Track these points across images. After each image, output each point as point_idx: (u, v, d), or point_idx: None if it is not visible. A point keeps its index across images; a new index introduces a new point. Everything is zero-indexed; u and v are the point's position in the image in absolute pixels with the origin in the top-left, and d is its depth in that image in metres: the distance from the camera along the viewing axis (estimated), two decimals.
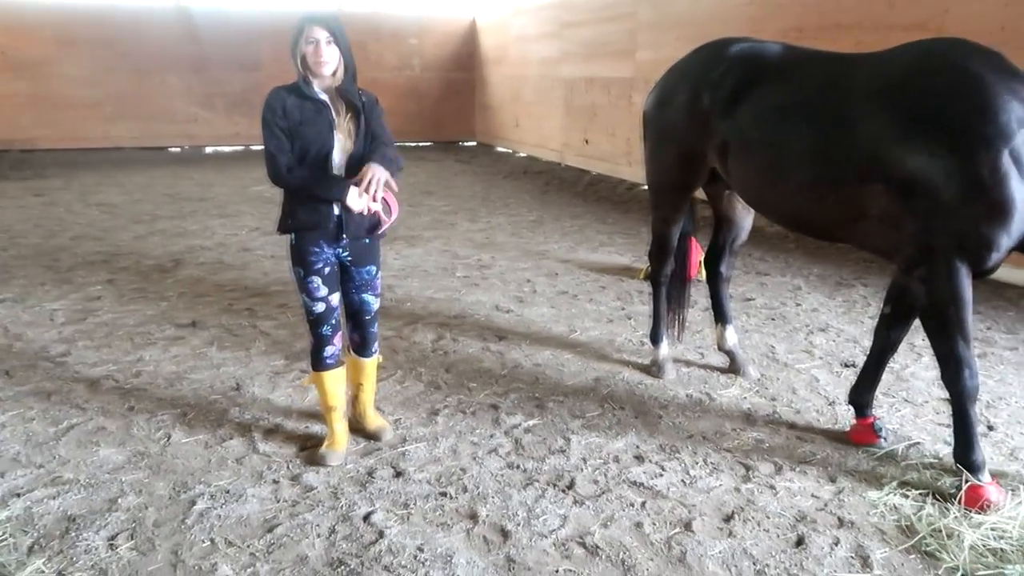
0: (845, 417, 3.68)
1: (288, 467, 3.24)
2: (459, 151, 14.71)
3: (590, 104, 11.71)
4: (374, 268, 3.36)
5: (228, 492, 3.03)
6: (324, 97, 3.09)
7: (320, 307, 3.24)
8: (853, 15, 7.06)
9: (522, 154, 14.16)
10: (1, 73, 13.04)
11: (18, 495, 2.98)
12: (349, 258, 3.26)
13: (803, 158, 3.23)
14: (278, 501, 2.99)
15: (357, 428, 3.53)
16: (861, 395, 3.52)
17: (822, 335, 4.87)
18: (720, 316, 4.30)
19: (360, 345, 3.48)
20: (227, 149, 14.59)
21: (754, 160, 3.44)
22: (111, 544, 2.70)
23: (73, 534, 2.74)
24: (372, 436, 3.50)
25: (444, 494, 3.05)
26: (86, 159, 12.75)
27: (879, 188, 3.00)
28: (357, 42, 13.08)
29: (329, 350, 3.31)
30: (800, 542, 2.78)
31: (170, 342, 4.65)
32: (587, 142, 11.82)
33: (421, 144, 15.56)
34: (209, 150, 14.54)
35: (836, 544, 2.76)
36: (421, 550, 2.70)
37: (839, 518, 2.92)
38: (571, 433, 3.56)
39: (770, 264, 6.59)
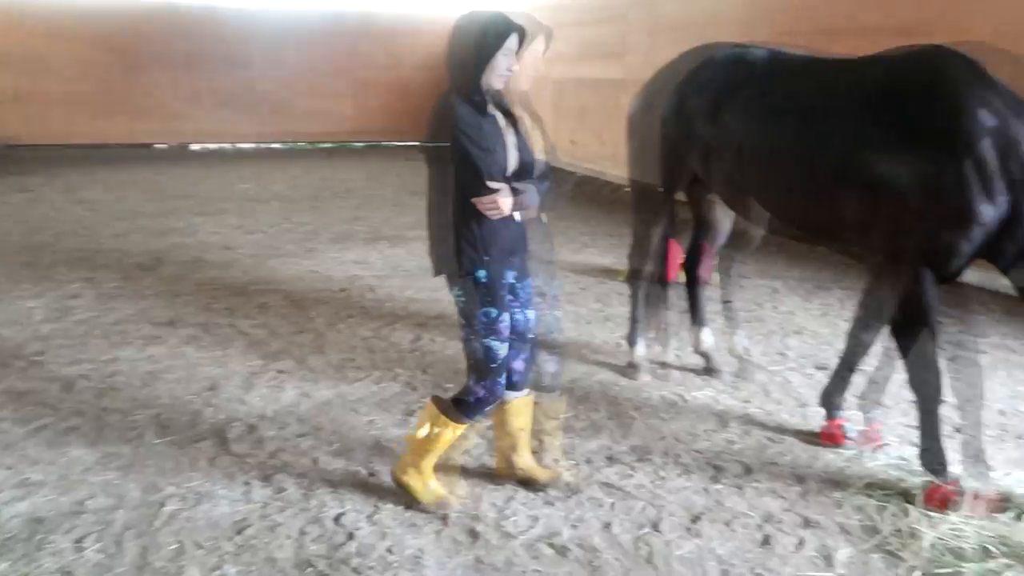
0: (816, 419, 3.71)
1: (260, 468, 3.24)
2: (446, 151, 14.69)
3: (578, 105, 11.73)
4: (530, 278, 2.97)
5: (199, 494, 3.04)
6: (495, 111, 2.77)
7: (505, 349, 2.85)
8: (845, 19, 7.09)
9: None
10: None
11: None
12: (516, 275, 2.88)
13: (783, 162, 3.26)
14: (249, 503, 2.99)
15: (520, 481, 3.13)
16: (831, 397, 3.56)
17: (797, 338, 4.91)
18: (697, 318, 4.33)
19: (523, 373, 3.03)
20: (213, 146, 14.54)
21: (735, 164, 3.48)
22: (78, 546, 2.70)
23: (40, 536, 2.74)
24: (541, 487, 3.08)
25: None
26: (71, 155, 12.68)
27: (854, 193, 3.04)
28: (348, 41, 12.97)
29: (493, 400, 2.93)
30: (766, 542, 2.81)
31: (147, 341, 4.64)
32: (573, 143, 11.84)
33: (409, 144, 15.53)
34: (195, 147, 14.48)
35: (801, 544, 2.80)
36: (390, 551, 2.72)
37: (805, 518, 2.95)
38: (545, 434, 3.57)
39: (749, 266, 6.61)
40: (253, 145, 14.72)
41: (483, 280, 2.74)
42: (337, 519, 2.90)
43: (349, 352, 4.54)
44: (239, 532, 2.81)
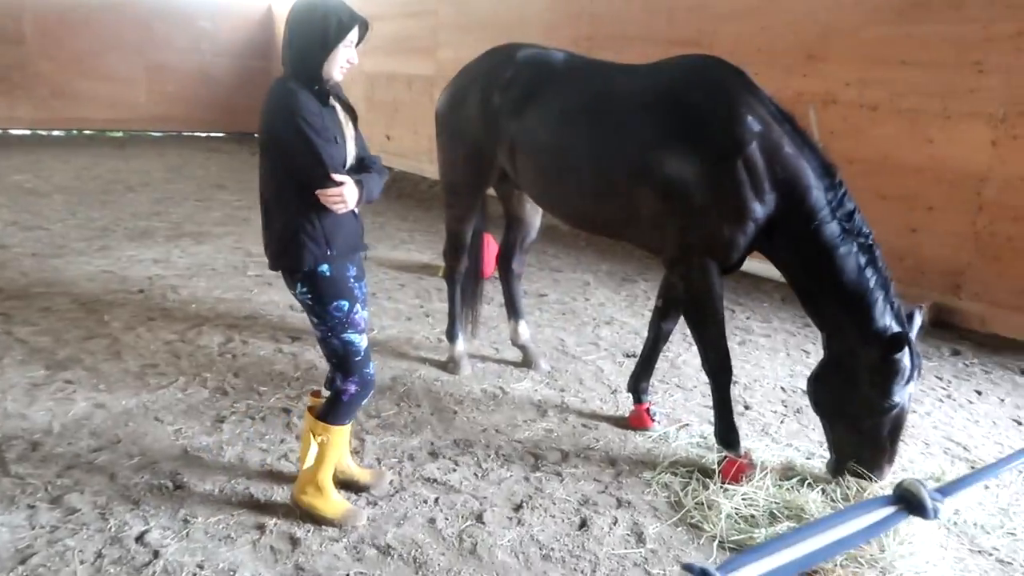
0: (626, 404, 3.94)
1: (47, 489, 2.92)
2: (253, 143, 14.03)
3: (392, 100, 11.62)
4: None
5: None
6: (334, 102, 2.65)
7: (366, 340, 2.77)
8: (638, 28, 7.57)
9: None
10: None
11: None
12: (354, 273, 2.76)
13: (582, 161, 3.42)
14: (34, 528, 2.69)
15: (344, 483, 3.05)
16: (638, 383, 3.79)
17: (608, 328, 5.18)
18: (513, 311, 4.45)
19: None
20: None
21: (539, 161, 3.60)
22: None
23: None
24: (363, 488, 3.05)
25: (228, 505, 2.90)
26: None
27: (646, 191, 3.25)
28: (141, 22, 11.99)
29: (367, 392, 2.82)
30: (583, 524, 2.95)
31: None
32: (389, 138, 11.73)
33: (213, 135, 14.65)
34: None
35: (615, 523, 2.96)
36: (201, 567, 2.56)
37: (618, 499, 3.13)
38: (365, 433, 3.52)
39: (563, 261, 6.91)
40: (28, 131, 13.20)
41: (327, 275, 2.65)
42: (140, 538, 2.68)
43: (150, 358, 4.20)
44: (22, 562, 2.51)
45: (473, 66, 4.07)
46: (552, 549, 2.78)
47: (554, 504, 3.07)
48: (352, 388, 2.77)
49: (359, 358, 2.76)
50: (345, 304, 2.69)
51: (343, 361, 2.75)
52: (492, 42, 4.32)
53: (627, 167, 3.29)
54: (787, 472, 3.28)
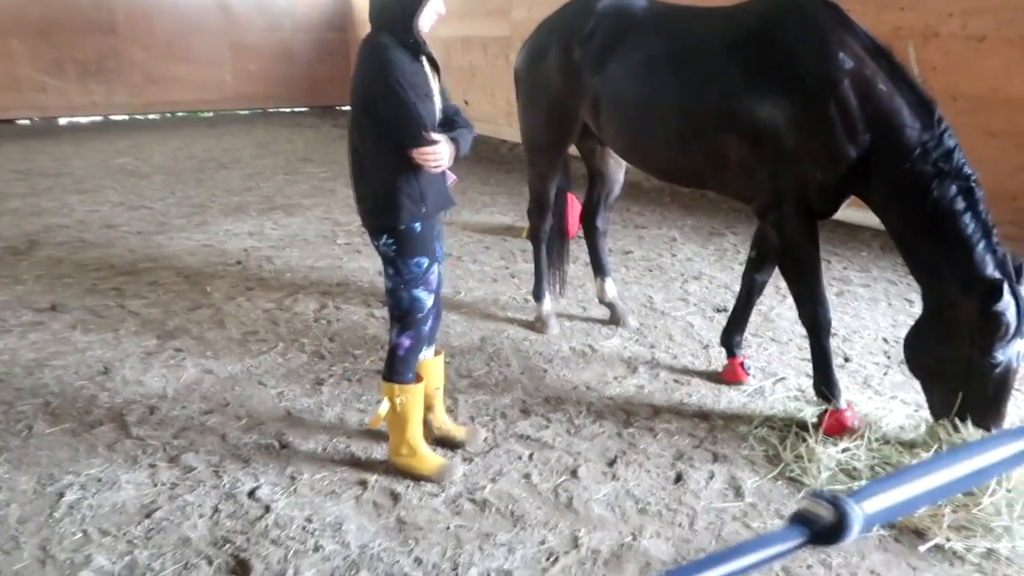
0: (718, 359, 3.87)
1: (165, 449, 3.11)
2: (336, 116, 14.29)
3: (468, 65, 11.59)
4: None
5: (100, 480, 2.89)
6: (422, 57, 2.68)
7: (432, 300, 2.85)
8: None
9: None
10: None
11: None
12: (437, 232, 2.84)
13: (667, 110, 3.33)
14: (156, 485, 2.87)
15: (440, 440, 3.12)
16: (731, 336, 3.71)
17: (696, 283, 5.08)
18: (599, 269, 4.41)
19: (434, 330, 3.04)
20: (84, 120, 13.57)
21: (623, 114, 3.53)
22: None
23: None
24: (459, 445, 3.10)
25: (331, 462, 3.02)
26: None
27: (734, 137, 3.14)
28: (222, 4, 12.29)
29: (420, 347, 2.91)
30: (679, 478, 2.93)
31: (28, 328, 4.34)
32: (467, 103, 11.73)
33: (296, 110, 15.00)
34: (63, 121, 13.48)
35: (711, 478, 2.93)
36: (310, 520, 2.67)
37: (714, 453, 3.09)
38: (458, 392, 3.59)
39: (647, 217, 6.80)
40: (126, 116, 13.84)
41: (417, 231, 2.71)
42: (251, 493, 2.82)
43: (251, 325, 4.39)
44: (147, 516, 2.69)
45: (551, 21, 4.00)
46: (648, 503, 2.78)
47: (648, 459, 3.06)
48: (407, 342, 2.84)
49: (421, 315, 2.83)
50: (425, 261, 2.77)
51: (405, 315, 2.82)
52: None
53: (713, 113, 3.19)
54: (890, 425, 3.17)
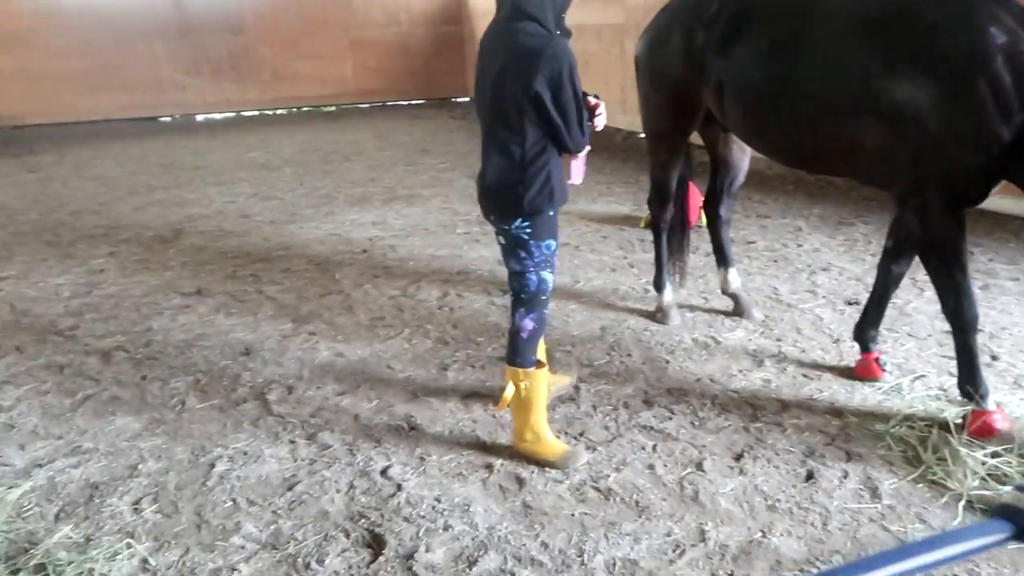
0: (850, 354, 3.71)
1: (303, 427, 3.29)
2: (453, 107, 14.56)
3: (581, 52, 11.50)
4: None
5: (246, 453, 3.09)
6: None
7: (553, 281, 2.95)
8: None
9: None
10: None
11: (40, 466, 3.04)
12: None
13: (797, 94, 3.21)
14: (296, 460, 3.04)
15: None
16: (865, 331, 3.55)
17: (824, 274, 4.89)
18: (722, 260, 4.31)
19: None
20: (218, 116, 14.43)
21: (749, 99, 3.42)
22: (136, 508, 2.76)
23: (97, 500, 2.80)
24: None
25: (458, 445, 3.11)
26: (76, 132, 12.62)
27: (871, 121, 2.99)
28: (343, 1, 12.72)
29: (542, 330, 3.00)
30: (810, 476, 2.84)
31: (177, 311, 4.68)
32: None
33: (414, 102, 15.39)
34: (200, 118, 14.38)
35: (845, 477, 2.82)
36: (439, 500, 2.76)
37: (847, 452, 2.97)
38: (580, 382, 3.60)
39: (770, 206, 6.58)
40: (257, 112, 14.61)
41: (551, 215, 2.83)
42: (384, 472, 2.95)
43: (378, 311, 4.56)
44: (290, 488, 2.86)
45: (674, 5, 3.93)
46: (778, 500, 2.71)
47: (777, 455, 2.98)
48: (530, 325, 2.92)
49: (545, 296, 2.93)
50: (553, 244, 2.88)
51: (532, 297, 2.91)
52: None
53: (849, 96, 3.05)
54: None
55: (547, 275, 2.90)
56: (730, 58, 3.48)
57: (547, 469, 2.92)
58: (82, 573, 2.38)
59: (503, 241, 2.93)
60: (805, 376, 3.58)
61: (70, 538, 2.59)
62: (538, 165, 2.74)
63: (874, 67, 2.95)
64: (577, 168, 2.95)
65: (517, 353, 2.95)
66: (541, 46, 2.62)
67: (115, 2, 13.48)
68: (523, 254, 2.85)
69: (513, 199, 2.78)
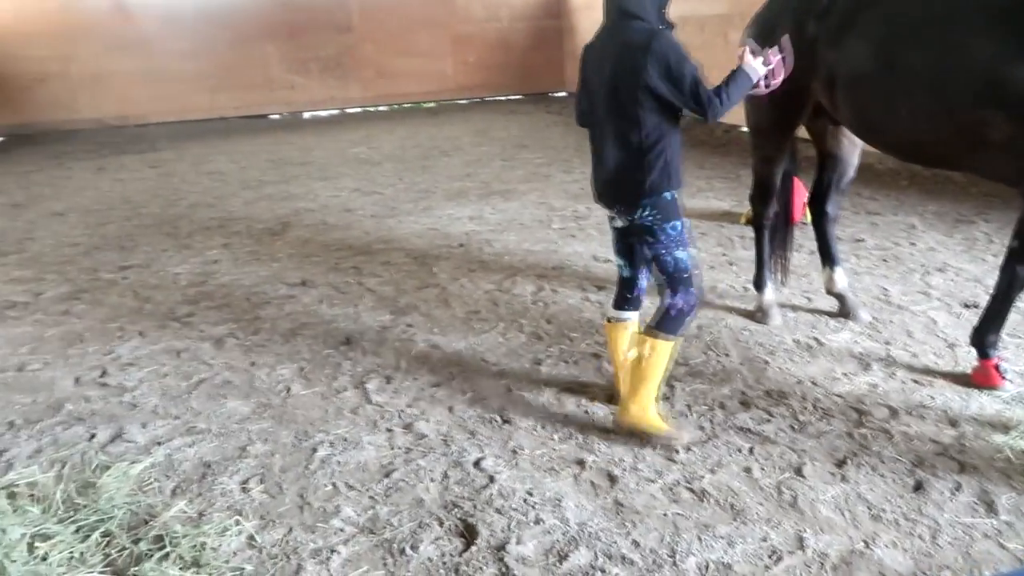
0: (966, 360, 3.51)
1: (400, 416, 3.38)
2: (550, 102, 14.57)
3: (683, 43, 11.30)
4: None
5: (346, 440, 3.20)
6: None
7: (689, 257, 3.05)
8: None
9: None
10: (114, 52, 13.75)
11: (159, 443, 3.24)
12: None
13: (916, 85, 3.06)
14: (393, 448, 3.13)
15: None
16: (985, 336, 3.34)
17: (940, 275, 4.63)
18: (828, 258, 4.15)
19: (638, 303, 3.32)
20: (324, 113, 14.95)
21: (863, 90, 3.28)
22: (244, 487, 2.91)
23: (210, 479, 2.97)
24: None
25: (550, 440, 3.12)
26: (194, 130, 13.35)
27: (999, 113, 2.82)
28: None
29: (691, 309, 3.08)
30: (919, 487, 2.71)
31: (283, 300, 4.89)
32: None
33: (511, 97, 15.49)
34: (307, 115, 14.94)
35: (958, 489, 2.68)
36: (531, 494, 2.78)
37: (960, 463, 2.82)
38: (675, 380, 3.55)
39: (881, 203, 6.28)
40: (360, 109, 15.05)
41: (675, 198, 2.97)
42: (477, 463, 2.99)
43: (473, 305, 4.63)
44: (387, 475, 2.94)
45: (762, 12, 3.80)
46: (883, 510, 2.60)
47: (883, 463, 2.85)
48: (680, 303, 3.01)
49: (687, 275, 3.01)
50: (678, 224, 2.98)
51: (672, 277, 3.01)
52: None
53: (973, 87, 2.88)
54: None
55: (681, 254, 2.99)
56: (844, 49, 3.34)
57: (640, 468, 2.89)
58: (195, 546, 2.53)
59: (628, 233, 3.08)
60: (916, 382, 3.41)
61: (185, 512, 2.76)
62: (656, 151, 2.90)
63: (1002, 55, 2.78)
64: (776, 70, 3.06)
65: (661, 325, 3.03)
66: (647, 40, 2.82)
67: (232, 6, 14.18)
68: (651, 239, 2.99)
69: (635, 184, 2.93)
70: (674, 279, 3.01)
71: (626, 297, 3.26)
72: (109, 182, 9.24)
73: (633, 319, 3.27)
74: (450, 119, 13.16)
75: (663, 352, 3.00)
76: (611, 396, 3.40)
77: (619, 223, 3.08)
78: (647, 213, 2.94)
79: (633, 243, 3.12)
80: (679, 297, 3.01)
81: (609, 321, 3.31)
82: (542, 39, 15.55)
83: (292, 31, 14.56)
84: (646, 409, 3.02)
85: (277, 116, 14.86)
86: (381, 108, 15.12)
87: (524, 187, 7.69)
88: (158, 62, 13.93)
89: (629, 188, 2.95)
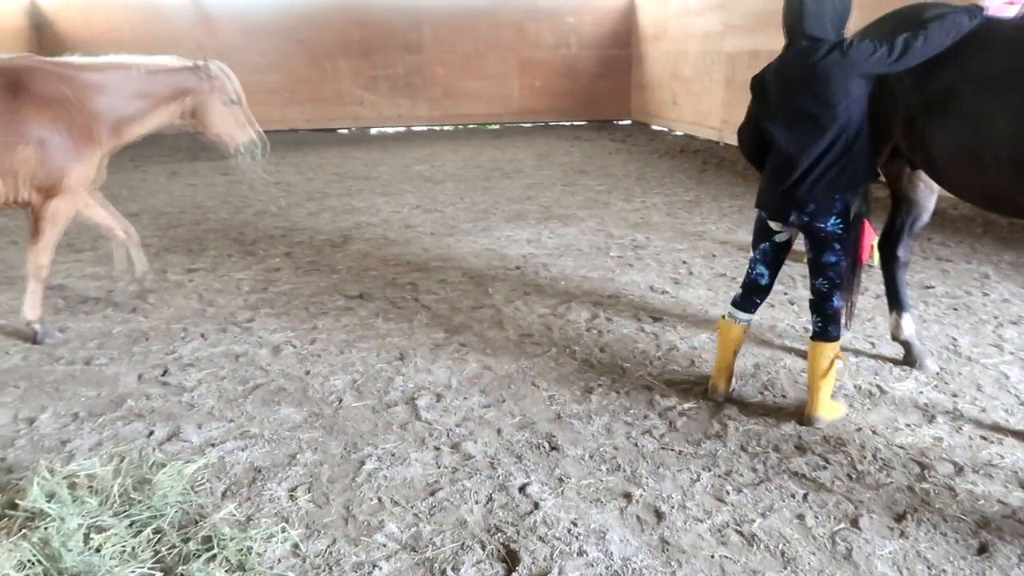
0: None
1: (448, 435, 3.38)
2: (613, 130, 14.58)
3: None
4: None
5: (394, 455, 3.21)
6: None
7: None
8: None
9: (679, 132, 13.81)
10: None
11: (213, 445, 3.31)
12: None
13: (1002, 131, 2.95)
14: (439, 467, 3.13)
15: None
16: None
17: (1014, 328, 4.44)
18: (896, 303, 4.02)
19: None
20: (390, 130, 15.25)
21: (945, 134, 3.18)
22: (291, 495, 2.94)
23: (259, 484, 3.01)
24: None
25: (597, 470, 3.08)
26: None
27: None
28: (514, 22, 13.24)
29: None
30: (983, 550, 2.58)
31: (340, 312, 4.96)
32: None
33: (576, 123, 15.56)
34: (374, 131, 15.25)
35: None
36: (575, 524, 2.74)
37: None
38: (728, 419, 3.47)
39: (953, 249, 6.07)
40: (426, 127, 15.30)
41: (847, 205, 3.28)
42: (522, 489, 2.97)
43: (527, 328, 4.62)
44: (432, 494, 2.94)
45: (869, 31, 3.72)
46: (943, 570, 2.48)
47: (945, 521, 2.73)
48: (841, 305, 3.41)
49: (841, 280, 3.39)
50: (852, 232, 3.37)
51: (844, 280, 3.40)
52: (869, 9, 3.92)
53: None
54: None
55: (846, 261, 3.40)
56: (926, 90, 3.25)
57: (688, 506, 2.83)
58: (242, 550, 2.56)
59: (786, 247, 3.52)
60: (984, 438, 3.26)
61: (233, 515, 2.79)
62: (855, 149, 3.20)
63: None
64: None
65: (825, 333, 3.39)
66: (830, 52, 3.13)
67: (308, 22, 14.63)
68: (838, 246, 3.31)
69: (835, 193, 3.22)
70: (842, 284, 3.37)
71: (755, 302, 3.64)
72: (181, 186, 9.57)
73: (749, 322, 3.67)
74: (513, 142, 13.27)
75: (834, 352, 3.37)
76: (663, 432, 3.35)
77: (783, 236, 3.45)
78: (837, 221, 3.25)
79: (783, 258, 3.55)
80: (841, 299, 3.39)
81: (728, 319, 3.64)
82: (610, 67, 15.63)
83: (365, 49, 14.94)
84: (827, 399, 3.42)
85: (345, 131, 15.22)
86: (446, 128, 15.35)
87: (583, 213, 7.69)
88: (235, 73, 14.41)
89: (835, 183, 3.21)
